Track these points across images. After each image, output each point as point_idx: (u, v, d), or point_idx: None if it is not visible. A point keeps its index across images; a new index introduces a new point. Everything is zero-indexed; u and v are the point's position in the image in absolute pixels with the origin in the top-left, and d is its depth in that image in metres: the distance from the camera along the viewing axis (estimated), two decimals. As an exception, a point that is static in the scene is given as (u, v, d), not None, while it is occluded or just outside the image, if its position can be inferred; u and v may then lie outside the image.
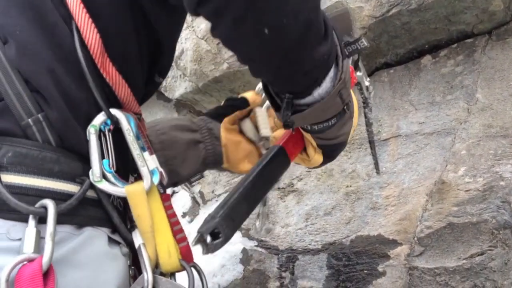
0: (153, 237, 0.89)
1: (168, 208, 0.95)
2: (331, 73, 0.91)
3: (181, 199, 2.30)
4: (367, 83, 1.36)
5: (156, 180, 0.94)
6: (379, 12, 1.99)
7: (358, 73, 1.28)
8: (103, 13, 0.87)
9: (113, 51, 0.89)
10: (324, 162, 1.18)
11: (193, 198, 2.30)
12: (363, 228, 1.77)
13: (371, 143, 1.50)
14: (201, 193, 2.30)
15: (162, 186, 0.96)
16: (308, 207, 1.96)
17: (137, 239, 0.90)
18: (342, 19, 1.18)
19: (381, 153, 1.94)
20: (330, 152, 1.16)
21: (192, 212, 2.26)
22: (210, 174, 2.33)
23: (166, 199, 0.94)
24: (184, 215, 2.26)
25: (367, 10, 2.01)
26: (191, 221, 2.24)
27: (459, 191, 1.61)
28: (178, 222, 0.97)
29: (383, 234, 1.71)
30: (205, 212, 2.20)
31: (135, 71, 0.95)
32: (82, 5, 0.85)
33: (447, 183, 1.65)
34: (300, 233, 1.91)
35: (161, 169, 0.96)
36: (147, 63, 0.98)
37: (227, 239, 0.96)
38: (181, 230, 0.97)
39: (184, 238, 0.95)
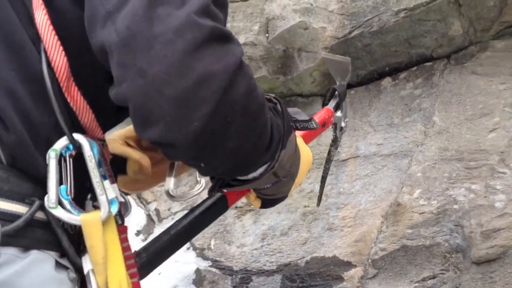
0: (105, 269, 0.84)
1: (124, 240, 0.90)
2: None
3: (136, 216, 2.24)
4: (343, 124, 1.36)
5: (114, 210, 0.89)
6: (341, 33, 2.00)
7: (338, 114, 1.28)
8: (73, 37, 0.84)
9: (79, 76, 0.85)
10: (262, 208, 1.17)
11: (148, 216, 2.24)
12: (318, 249, 1.75)
13: (323, 178, 1.47)
14: (157, 210, 2.24)
15: (121, 216, 0.91)
16: (265, 227, 1.93)
17: (87, 265, 0.85)
18: (341, 66, 1.33)
19: (340, 173, 1.93)
20: (268, 203, 1.14)
21: (146, 230, 2.20)
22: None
23: (123, 231, 0.89)
24: (138, 233, 2.20)
25: (330, 30, 2.01)
26: (145, 239, 2.17)
27: (413, 213, 1.60)
28: (131, 256, 0.93)
29: (338, 255, 1.69)
30: (159, 231, 2.14)
31: (102, 97, 0.91)
32: (51, 27, 0.81)
33: (402, 205, 1.64)
34: (256, 254, 1.87)
35: (121, 199, 0.92)
36: None
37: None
38: (133, 265, 0.93)
39: (135, 274, 0.91)
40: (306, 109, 2.25)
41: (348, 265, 1.66)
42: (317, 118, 1.23)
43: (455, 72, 1.93)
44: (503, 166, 1.55)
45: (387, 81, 2.09)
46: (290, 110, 1.12)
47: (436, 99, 1.89)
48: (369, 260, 1.62)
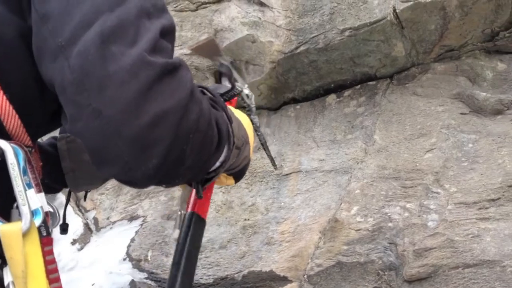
0: (25, 283, 0.79)
1: (48, 253, 0.86)
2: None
3: (73, 224, 2.16)
4: (246, 92, 1.40)
5: (38, 221, 0.84)
6: (288, 49, 2.01)
7: (238, 85, 1.30)
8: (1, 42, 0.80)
9: (4, 79, 0.81)
10: (236, 182, 1.24)
11: (86, 224, 2.17)
12: (256, 264, 1.73)
13: (263, 145, 1.51)
14: (95, 219, 2.18)
15: (46, 228, 0.86)
16: (204, 239, 1.90)
17: (7, 277, 0.80)
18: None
19: (282, 187, 1.93)
20: (239, 175, 1.20)
21: (83, 239, 2.13)
22: (107, 200, 2.22)
23: (47, 243, 0.84)
24: (74, 242, 2.12)
25: (277, 45, 2.02)
26: (81, 248, 2.11)
27: (350, 230, 1.61)
28: (56, 270, 0.88)
29: (275, 270, 1.68)
30: (96, 240, 2.08)
31: (31, 103, 0.87)
32: None
33: (340, 221, 1.65)
34: (193, 266, 1.84)
35: (47, 209, 0.87)
36: (51, 100, 0.89)
37: None
38: (57, 279, 0.89)
39: None
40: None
41: (284, 280, 1.65)
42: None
43: (397, 92, 1.98)
44: (437, 186, 1.59)
45: (332, 98, 2.11)
46: (213, 86, 1.21)
47: (377, 118, 1.93)
48: (305, 276, 1.62)
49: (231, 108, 1.13)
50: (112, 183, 2.26)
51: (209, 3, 2.17)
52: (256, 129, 1.54)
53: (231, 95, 1.18)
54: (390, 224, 1.55)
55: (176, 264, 1.13)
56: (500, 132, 1.68)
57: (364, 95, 2.05)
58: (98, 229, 2.16)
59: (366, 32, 1.90)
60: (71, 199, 2.24)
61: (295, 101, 2.21)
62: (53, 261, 0.88)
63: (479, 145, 1.66)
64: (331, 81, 2.11)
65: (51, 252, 0.88)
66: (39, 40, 0.81)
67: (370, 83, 2.07)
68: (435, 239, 1.45)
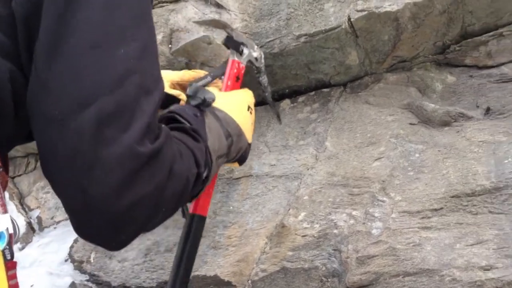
0: None
1: (11, 277, 0.84)
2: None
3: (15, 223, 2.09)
4: (255, 54, 1.62)
5: (2, 245, 0.82)
6: (243, 51, 1.99)
7: (245, 52, 1.55)
8: None
9: None
10: (241, 165, 1.45)
11: (29, 224, 2.10)
12: (201, 268, 1.71)
13: (270, 103, 1.76)
14: (39, 218, 2.11)
15: (10, 250, 0.84)
16: (150, 242, 1.87)
17: None
18: (218, 23, 1.62)
19: (231, 191, 1.92)
20: (243, 158, 1.40)
21: (25, 239, 2.07)
22: (52, 199, 2.15)
23: (11, 267, 0.82)
24: (15, 241, 2.05)
25: (232, 47, 2.00)
26: (22, 248, 2.04)
27: (296, 236, 1.61)
28: None
29: (219, 275, 1.66)
30: (38, 240, 2.02)
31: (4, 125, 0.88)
32: None
33: (287, 227, 1.64)
34: (137, 269, 1.80)
35: (12, 231, 0.86)
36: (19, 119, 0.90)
37: None
38: None
39: None
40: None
41: (228, 285, 1.64)
42: (226, 77, 1.54)
43: (349, 100, 1.99)
44: (383, 194, 1.60)
45: (286, 103, 2.11)
46: (191, 90, 1.29)
47: (330, 125, 1.93)
48: (249, 281, 1.61)
49: (221, 97, 1.34)
50: (58, 181, 2.19)
51: (166, 2, 2.14)
52: (264, 90, 1.79)
53: (208, 103, 1.26)
54: (335, 231, 1.56)
55: (176, 265, 1.31)
56: (446, 143, 1.71)
57: (317, 101, 2.06)
58: (41, 228, 2.10)
59: (321, 39, 1.91)
60: (14, 197, 2.18)
61: (250, 105, 2.20)
62: (17, 286, 0.87)
63: (425, 155, 1.68)
64: (286, 87, 2.11)
65: (14, 276, 0.86)
66: (34, 103, 0.84)
67: (324, 90, 2.08)
68: (378, 246, 1.46)
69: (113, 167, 0.81)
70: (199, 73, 1.62)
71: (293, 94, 2.14)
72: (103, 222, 0.83)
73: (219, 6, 2.06)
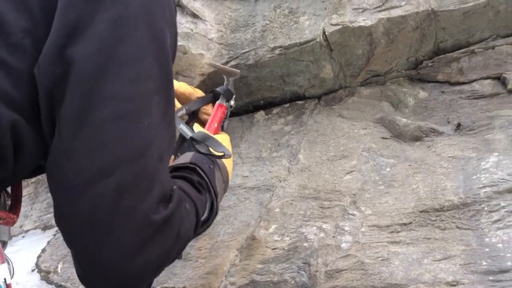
0: None
1: None
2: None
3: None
4: (232, 102, 1.71)
5: None
6: (218, 62, 1.99)
7: (232, 102, 1.70)
8: None
9: None
10: None
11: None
12: (170, 280, 1.69)
13: None
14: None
15: None
16: (119, 253, 1.84)
17: None
18: (229, 72, 1.70)
19: (204, 202, 1.90)
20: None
21: (-7, 248, 2.02)
22: (21, 207, 2.11)
23: None
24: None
25: (208, 58, 2.01)
26: (-12, 257, 1.99)
27: (266, 248, 1.60)
28: None
29: (188, 287, 1.64)
30: (6, 249, 1.97)
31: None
32: None
33: (258, 239, 1.63)
34: (105, 280, 1.77)
35: (10, 281, 0.91)
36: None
37: None
38: None
39: None
40: (179, 134, 2.20)
41: (197, 297, 1.62)
42: (214, 120, 1.62)
43: (323, 113, 2.00)
44: (354, 208, 1.60)
45: (260, 115, 2.11)
46: (198, 136, 1.43)
47: (303, 138, 1.94)
48: (218, 294, 1.59)
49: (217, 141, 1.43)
50: (27, 189, 2.16)
51: (142, 11, 2.13)
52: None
53: (219, 156, 1.37)
54: (305, 244, 1.55)
55: None
56: (417, 158, 1.72)
57: (292, 113, 2.06)
58: (9, 237, 2.05)
59: (296, 51, 1.92)
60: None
61: (224, 116, 2.19)
62: None
63: (396, 169, 1.69)
64: (261, 98, 2.11)
65: None
66: (56, 168, 0.88)
67: (299, 102, 2.08)
68: (346, 260, 1.46)
69: (127, 235, 0.86)
70: (194, 90, 1.71)
71: (268, 105, 2.14)
72: (111, 283, 0.88)
73: (195, 16, 2.06)
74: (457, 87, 1.92)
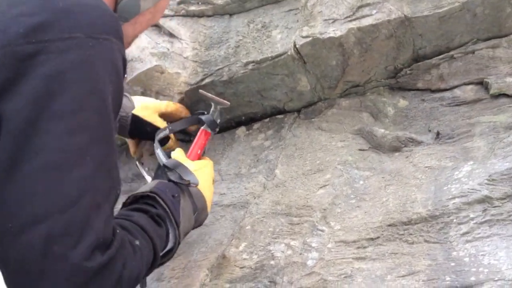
0: None
1: None
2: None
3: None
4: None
5: None
6: (194, 80, 1.99)
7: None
8: None
9: None
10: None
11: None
12: (143, 301, 1.67)
13: None
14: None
15: None
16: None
17: None
18: (217, 102, 1.76)
19: (182, 222, 1.88)
20: (197, 227, 1.56)
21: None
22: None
23: None
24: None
25: (184, 77, 2.01)
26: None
27: (235, 267, 1.57)
28: None
29: (159, 308, 1.62)
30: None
31: None
32: None
33: (227, 258, 1.60)
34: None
35: None
36: None
37: None
38: None
39: None
40: (164, 153, 2.20)
41: (166, 319, 1.60)
42: (197, 146, 1.70)
43: (302, 127, 1.96)
44: (324, 223, 1.56)
45: (241, 131, 2.09)
46: (171, 163, 1.49)
47: (281, 152, 1.90)
48: (186, 315, 1.56)
49: (195, 167, 1.51)
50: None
51: (122, 32, 2.15)
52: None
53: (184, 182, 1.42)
54: (272, 262, 1.51)
55: None
56: (393, 169, 1.66)
57: (272, 128, 2.04)
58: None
59: (269, 66, 1.89)
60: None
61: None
62: None
63: (369, 182, 1.64)
64: (241, 114, 2.09)
65: None
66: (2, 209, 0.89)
67: (279, 116, 2.05)
68: (310, 278, 1.41)
69: (60, 281, 0.86)
70: (180, 106, 1.88)
71: (250, 121, 2.12)
72: None
73: (171, 35, 2.07)
74: (438, 94, 1.85)
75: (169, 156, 1.58)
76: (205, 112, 1.78)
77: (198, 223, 1.53)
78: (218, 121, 1.76)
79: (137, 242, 1.10)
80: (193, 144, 1.72)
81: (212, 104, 1.75)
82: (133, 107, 1.70)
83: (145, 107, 1.74)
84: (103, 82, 0.97)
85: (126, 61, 1.09)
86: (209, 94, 1.74)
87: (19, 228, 0.87)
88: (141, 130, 1.77)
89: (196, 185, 1.44)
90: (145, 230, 1.16)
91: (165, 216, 1.29)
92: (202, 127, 1.74)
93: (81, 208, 0.91)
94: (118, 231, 1.02)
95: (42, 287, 0.87)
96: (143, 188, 1.34)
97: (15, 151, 0.88)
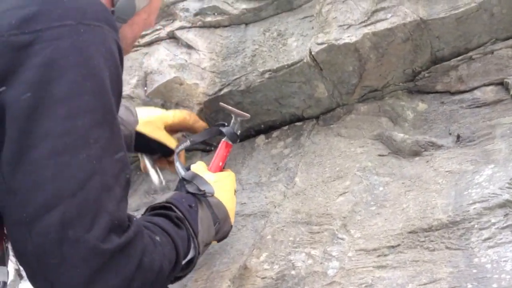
0: None
1: None
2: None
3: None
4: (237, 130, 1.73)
5: None
6: (212, 91, 2.01)
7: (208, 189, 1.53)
8: None
9: None
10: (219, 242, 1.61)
11: (17, 271, 2.15)
12: (167, 312, 1.69)
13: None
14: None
15: None
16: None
17: None
18: (238, 114, 1.72)
19: (205, 232, 1.90)
20: (221, 240, 1.57)
21: (12, 286, 2.11)
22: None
23: None
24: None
25: (202, 87, 2.02)
26: (6, 295, 2.07)
27: (257, 277, 1.57)
28: None
29: (182, 320, 1.64)
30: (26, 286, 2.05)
31: None
32: None
33: (249, 268, 1.61)
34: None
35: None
36: None
37: None
38: None
39: None
40: (186, 163, 2.22)
41: (189, 330, 1.61)
42: (219, 158, 1.68)
43: (321, 133, 1.96)
44: (344, 232, 1.55)
45: (261, 139, 2.10)
46: (188, 175, 1.50)
47: (300, 160, 1.90)
48: (209, 326, 1.58)
49: (215, 183, 1.49)
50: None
51: (140, 46, 2.19)
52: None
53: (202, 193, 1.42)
54: (293, 272, 1.51)
55: None
56: (413, 174, 1.65)
57: (291, 136, 2.04)
58: (8, 278, 2.13)
59: (286, 73, 1.89)
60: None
61: (228, 142, 2.19)
62: None
63: (389, 188, 1.62)
64: (261, 122, 2.10)
65: None
66: (4, 206, 0.94)
67: (297, 123, 2.05)
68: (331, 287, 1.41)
69: (78, 264, 0.88)
70: (188, 116, 1.83)
71: (269, 129, 2.12)
72: None
73: (189, 47, 2.09)
74: (458, 96, 1.83)
75: (188, 169, 1.60)
76: (226, 124, 1.78)
77: (221, 235, 1.52)
78: (239, 132, 1.75)
79: (158, 238, 1.11)
80: (214, 156, 1.73)
81: (233, 116, 1.75)
82: (137, 122, 1.66)
83: (149, 122, 1.71)
84: (98, 67, 0.99)
85: (122, 50, 1.10)
86: (229, 107, 1.74)
87: (33, 217, 0.89)
88: (147, 147, 1.74)
89: (212, 194, 1.44)
90: (165, 229, 1.17)
91: (184, 221, 1.30)
92: (223, 139, 1.74)
93: (91, 190, 0.93)
94: (135, 219, 1.04)
95: (62, 273, 0.89)
96: (159, 199, 1.36)
97: (21, 139, 0.91)
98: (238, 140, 1.78)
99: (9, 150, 0.92)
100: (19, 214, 0.91)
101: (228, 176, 1.63)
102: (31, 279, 0.96)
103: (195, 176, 1.50)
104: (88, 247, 0.90)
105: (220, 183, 1.54)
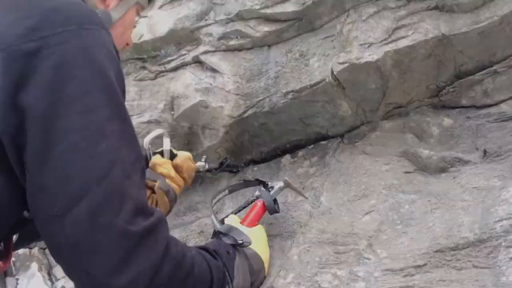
0: None
1: None
2: None
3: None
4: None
5: None
6: (236, 113, 2.04)
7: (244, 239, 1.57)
8: None
9: None
10: None
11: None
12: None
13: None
14: None
15: None
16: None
17: None
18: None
19: (233, 252, 1.92)
20: None
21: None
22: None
23: None
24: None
25: (227, 110, 2.06)
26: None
27: (284, 299, 1.58)
28: None
29: None
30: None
31: None
32: None
33: (276, 289, 1.61)
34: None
35: None
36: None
37: None
38: None
39: None
40: (213, 185, 2.25)
41: None
42: (255, 215, 1.70)
43: (346, 152, 1.96)
44: (370, 251, 1.54)
45: (286, 159, 2.11)
46: (224, 228, 1.55)
47: (326, 179, 1.91)
48: None
49: (251, 235, 1.53)
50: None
51: (167, 71, 2.24)
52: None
53: (239, 244, 1.46)
54: (319, 293, 1.51)
55: None
56: (439, 191, 1.63)
57: (316, 155, 2.04)
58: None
59: (309, 94, 1.91)
60: (42, 268, 2.30)
61: (254, 162, 2.22)
62: None
63: (415, 206, 1.61)
64: (286, 142, 2.12)
65: None
66: (35, 204, 0.99)
67: (322, 142, 2.06)
68: (358, 309, 1.40)
69: (110, 249, 0.95)
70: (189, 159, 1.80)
71: (295, 148, 2.14)
72: None
73: (213, 70, 2.13)
74: (484, 111, 1.80)
75: (222, 222, 1.65)
76: (267, 183, 1.83)
77: (256, 284, 1.55)
78: (275, 198, 1.78)
79: (192, 252, 1.20)
80: (249, 211, 1.74)
81: (282, 182, 1.80)
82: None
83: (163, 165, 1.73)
84: (104, 66, 1.06)
85: (119, 52, 1.17)
86: (293, 185, 1.80)
87: (64, 209, 0.95)
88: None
89: (249, 244, 1.49)
90: (201, 254, 1.24)
91: (220, 258, 1.34)
92: (263, 199, 1.76)
93: (115, 177, 0.99)
94: (157, 210, 1.09)
95: (97, 259, 0.95)
96: (197, 245, 1.41)
97: (44, 137, 0.97)
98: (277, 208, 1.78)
99: (34, 149, 0.97)
100: (50, 209, 0.96)
101: (261, 229, 1.67)
102: (68, 273, 1.01)
103: (231, 228, 1.55)
104: (118, 230, 0.95)
105: (255, 235, 1.59)
